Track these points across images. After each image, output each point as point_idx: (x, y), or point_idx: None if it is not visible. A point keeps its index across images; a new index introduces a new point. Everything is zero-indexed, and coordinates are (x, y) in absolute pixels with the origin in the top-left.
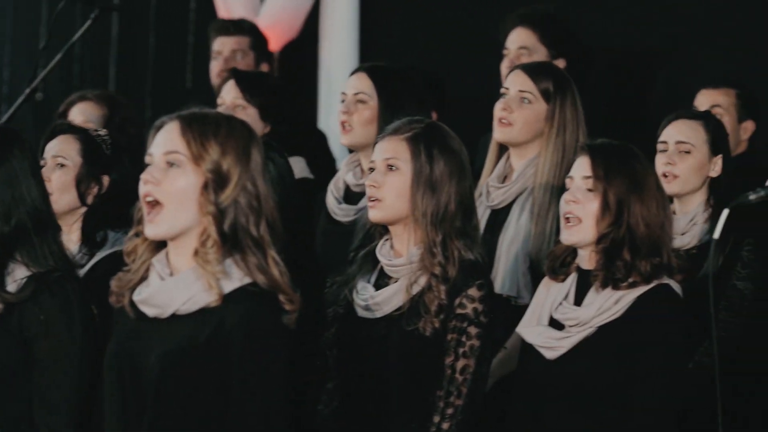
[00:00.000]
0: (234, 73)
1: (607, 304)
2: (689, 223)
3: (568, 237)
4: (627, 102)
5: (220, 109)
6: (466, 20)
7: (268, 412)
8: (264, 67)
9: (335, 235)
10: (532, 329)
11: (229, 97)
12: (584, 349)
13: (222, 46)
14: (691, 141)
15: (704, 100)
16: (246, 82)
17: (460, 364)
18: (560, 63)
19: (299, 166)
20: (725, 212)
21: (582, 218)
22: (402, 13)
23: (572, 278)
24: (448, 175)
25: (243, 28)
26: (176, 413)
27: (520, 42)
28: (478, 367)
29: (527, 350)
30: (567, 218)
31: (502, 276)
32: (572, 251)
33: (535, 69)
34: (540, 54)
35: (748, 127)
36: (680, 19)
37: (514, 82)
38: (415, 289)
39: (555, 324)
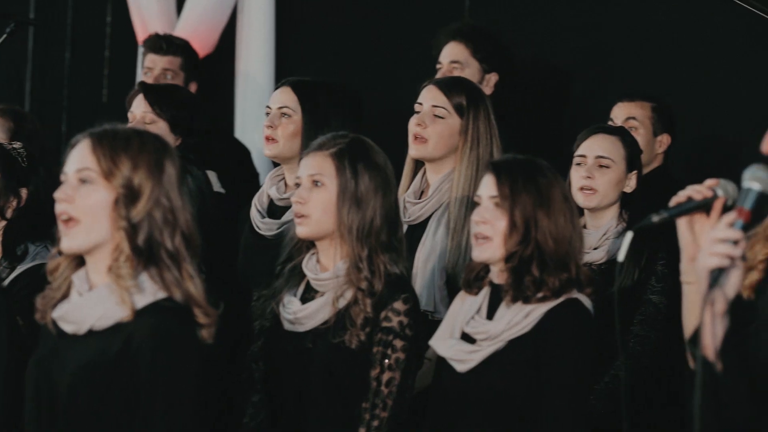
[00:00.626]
0: (143, 87)
1: (517, 319)
2: (602, 237)
3: (478, 255)
4: (543, 115)
5: (130, 124)
6: (383, 34)
7: (175, 426)
8: (192, 87)
9: (259, 248)
10: (444, 342)
11: (139, 111)
12: (494, 362)
13: (153, 63)
14: (611, 156)
15: (620, 112)
16: (155, 95)
17: (385, 376)
18: (492, 77)
19: (211, 180)
20: (629, 235)
21: (491, 237)
22: (319, 26)
23: (485, 292)
24: (374, 190)
25: (176, 47)
26: (86, 428)
27: (453, 56)
28: (404, 379)
29: (440, 363)
30: (477, 237)
31: (419, 291)
32: (486, 265)
33: (448, 84)
34: (472, 68)
35: (664, 140)
36: (596, 32)
37: (428, 98)
38: (342, 303)
39: (467, 337)
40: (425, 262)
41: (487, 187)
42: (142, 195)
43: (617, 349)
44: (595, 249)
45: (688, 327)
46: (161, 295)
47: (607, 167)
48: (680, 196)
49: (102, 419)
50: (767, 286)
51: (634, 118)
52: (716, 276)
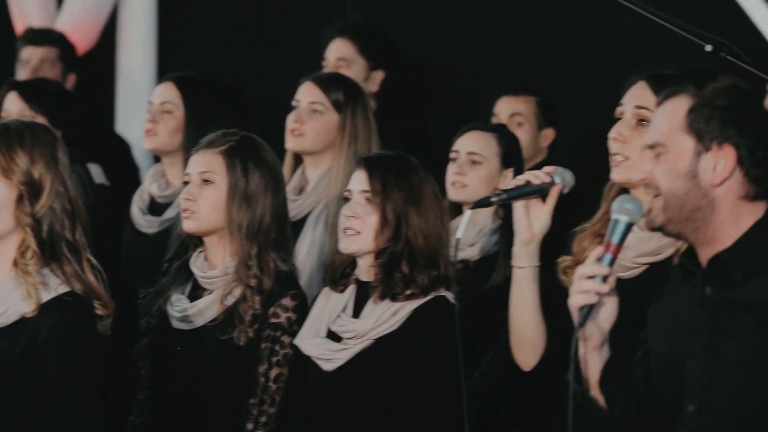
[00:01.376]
0: (14, 85)
1: (384, 317)
2: (477, 234)
3: (347, 246)
4: (430, 111)
5: None
6: (266, 29)
7: (82, 419)
8: (71, 78)
9: (140, 246)
10: (309, 341)
11: (14, 109)
12: (361, 360)
13: (30, 55)
14: (482, 152)
15: (504, 107)
16: (29, 91)
17: (273, 372)
18: (379, 74)
19: (95, 173)
20: (468, 212)
21: (361, 231)
22: (201, 21)
23: (351, 290)
24: (264, 188)
25: (52, 38)
26: None
27: (339, 53)
28: (291, 375)
29: (305, 361)
30: (346, 231)
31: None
32: (352, 262)
33: (325, 80)
34: (359, 65)
35: (548, 134)
36: (480, 27)
37: (305, 94)
38: (230, 300)
39: (334, 336)
40: (305, 259)
41: (359, 182)
42: (44, 188)
43: (490, 346)
44: (471, 246)
45: (516, 312)
46: (63, 289)
47: (478, 163)
48: (519, 180)
49: (11, 415)
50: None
51: (519, 113)
52: (585, 313)
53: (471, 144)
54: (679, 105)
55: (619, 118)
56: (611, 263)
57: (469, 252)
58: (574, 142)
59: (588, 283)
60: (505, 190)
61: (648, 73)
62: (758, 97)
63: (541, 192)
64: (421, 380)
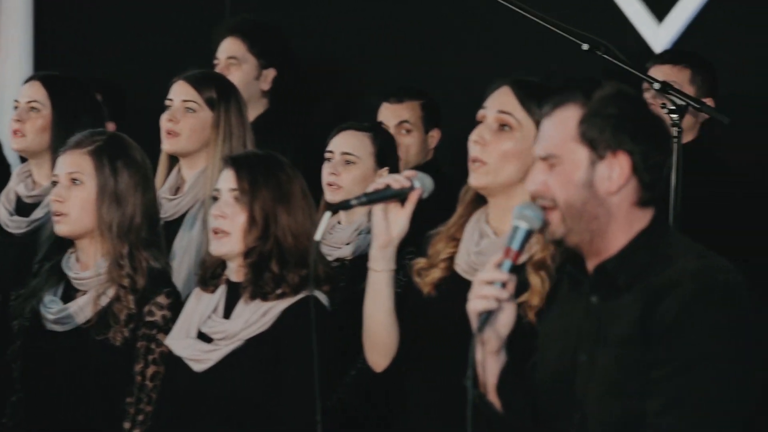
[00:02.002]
0: None
1: (254, 317)
2: (353, 233)
3: (216, 248)
4: (322, 110)
5: None
6: (143, 29)
7: None
8: None
9: (7, 247)
10: (180, 342)
11: None
12: (232, 361)
13: None
14: (356, 152)
15: (390, 115)
16: None
17: (149, 371)
18: (270, 73)
19: None
20: (327, 215)
21: (230, 232)
22: (78, 21)
23: (222, 290)
24: (133, 187)
25: None
26: None
27: (230, 52)
28: (168, 373)
29: (176, 362)
30: (215, 231)
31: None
32: (222, 263)
33: (198, 78)
34: (250, 64)
35: (435, 135)
36: (369, 26)
37: (178, 93)
38: (104, 301)
39: (204, 336)
40: (181, 259)
41: (227, 180)
42: None
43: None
44: (347, 245)
45: (370, 314)
46: None
47: (352, 163)
48: (379, 184)
49: None
50: (451, 285)
51: (406, 120)
52: (484, 319)
53: (345, 144)
54: (569, 115)
55: (481, 122)
56: (511, 269)
57: (345, 251)
58: (455, 141)
59: (487, 289)
60: (366, 194)
61: (512, 78)
62: (644, 101)
63: (400, 196)
64: (291, 380)
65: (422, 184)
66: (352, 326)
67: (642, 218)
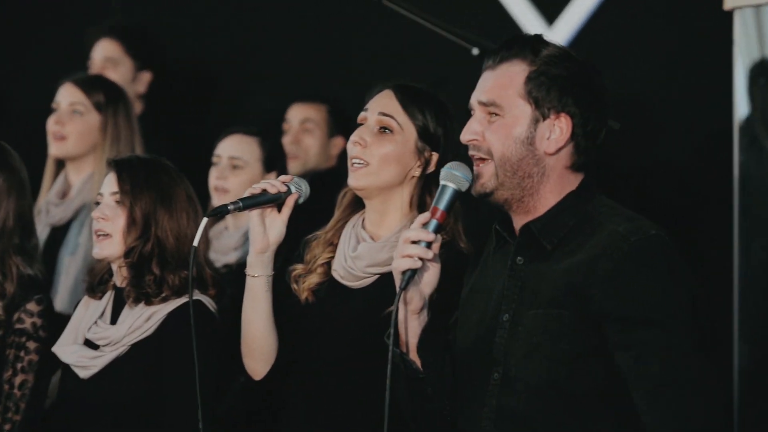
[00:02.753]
0: None
1: (138, 322)
2: (240, 238)
3: (98, 251)
4: (200, 113)
5: None
6: (29, 31)
7: None
8: None
9: None
10: (66, 348)
11: None
12: (117, 367)
13: None
14: (244, 157)
15: (296, 113)
16: None
17: (18, 379)
18: (146, 75)
19: None
20: (204, 220)
21: (111, 234)
22: None
23: (109, 296)
24: (6, 192)
25: None
26: None
27: (106, 53)
28: (37, 382)
29: (64, 369)
30: (98, 234)
31: (63, 292)
32: (110, 269)
33: (85, 81)
34: (125, 66)
35: (338, 143)
36: (252, 32)
37: (65, 96)
38: None
39: (91, 343)
40: (69, 264)
41: (109, 184)
42: None
43: None
44: (234, 250)
45: (248, 320)
46: None
47: (239, 168)
48: (255, 188)
49: None
50: (329, 290)
51: (309, 119)
52: (408, 277)
53: (232, 148)
54: (517, 71)
55: (362, 124)
56: (436, 230)
57: (232, 257)
58: None
59: (412, 248)
60: (242, 199)
61: (395, 83)
62: (591, 66)
63: (276, 201)
64: (175, 385)
65: (298, 189)
66: (237, 332)
67: (573, 182)
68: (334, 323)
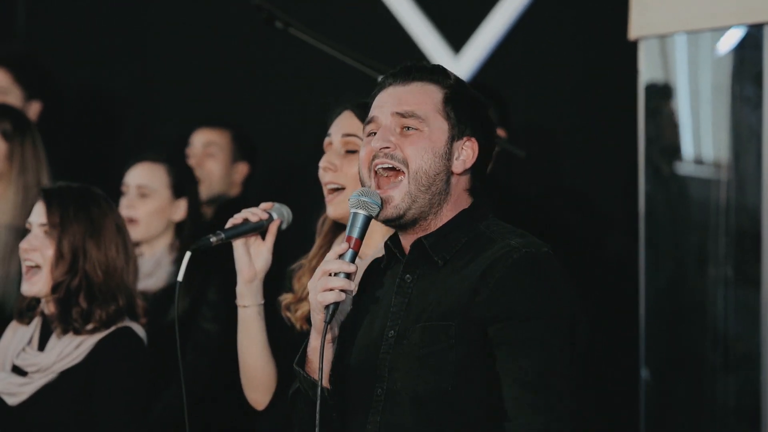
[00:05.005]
0: None
1: (68, 350)
2: (154, 265)
3: (28, 288)
4: (97, 142)
5: None
6: None
7: None
8: None
9: None
10: None
11: None
12: (47, 394)
13: None
14: (151, 185)
15: (199, 137)
16: None
17: None
18: (36, 105)
19: None
20: (188, 254)
21: (41, 265)
22: None
23: (36, 322)
24: None
25: None
26: None
27: None
28: None
29: None
30: (27, 265)
31: None
32: None
33: None
34: (14, 95)
35: (242, 169)
36: (176, 60)
37: None
38: None
39: (19, 370)
40: None
41: (38, 214)
42: None
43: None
44: (149, 277)
45: (244, 351)
46: None
47: (147, 196)
48: (236, 218)
49: None
50: None
51: (213, 143)
52: (333, 310)
53: (139, 176)
54: (432, 89)
55: (326, 151)
56: (353, 259)
57: (146, 283)
58: (269, 176)
59: (333, 281)
60: (224, 230)
61: (352, 102)
62: (486, 98)
63: (259, 229)
64: (104, 410)
65: (280, 215)
66: (162, 358)
67: (466, 202)
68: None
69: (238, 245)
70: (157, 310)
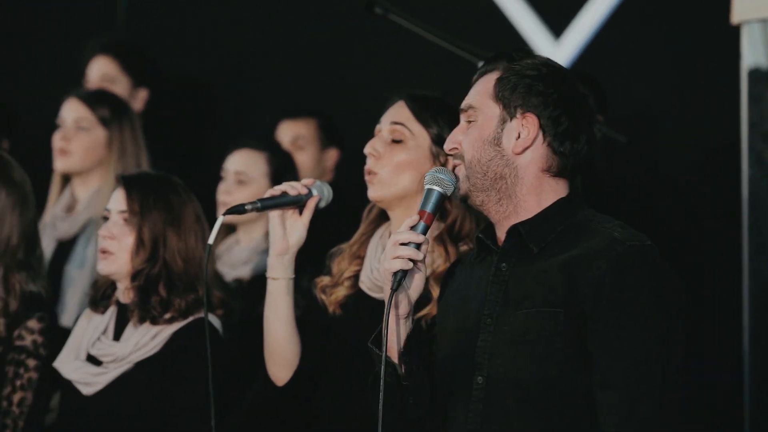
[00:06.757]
0: None
1: (144, 340)
2: (251, 252)
3: (103, 268)
4: (198, 130)
5: None
6: (34, 47)
7: None
8: None
9: None
10: (69, 364)
11: None
12: (122, 384)
13: None
14: (249, 172)
15: (285, 131)
16: None
17: (17, 396)
18: (143, 92)
19: None
20: (220, 219)
21: (116, 253)
22: None
23: (112, 311)
24: (11, 207)
25: None
26: None
27: (102, 71)
28: (36, 399)
29: (66, 385)
30: (102, 251)
31: (70, 307)
32: (113, 283)
33: (90, 96)
34: (122, 83)
35: (332, 154)
36: (249, 47)
37: (70, 111)
38: None
39: (94, 359)
40: (76, 279)
41: (117, 201)
42: None
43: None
44: (244, 264)
45: (269, 324)
46: None
47: (245, 183)
48: (275, 190)
49: None
50: (357, 303)
51: (300, 136)
52: (399, 279)
53: (238, 163)
54: (492, 76)
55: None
56: (425, 231)
57: (243, 271)
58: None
59: (403, 250)
60: (261, 199)
61: (407, 92)
62: (569, 75)
63: (297, 203)
64: (180, 403)
65: (320, 192)
66: (247, 349)
67: (555, 188)
68: (362, 335)
69: (274, 217)
70: (250, 298)
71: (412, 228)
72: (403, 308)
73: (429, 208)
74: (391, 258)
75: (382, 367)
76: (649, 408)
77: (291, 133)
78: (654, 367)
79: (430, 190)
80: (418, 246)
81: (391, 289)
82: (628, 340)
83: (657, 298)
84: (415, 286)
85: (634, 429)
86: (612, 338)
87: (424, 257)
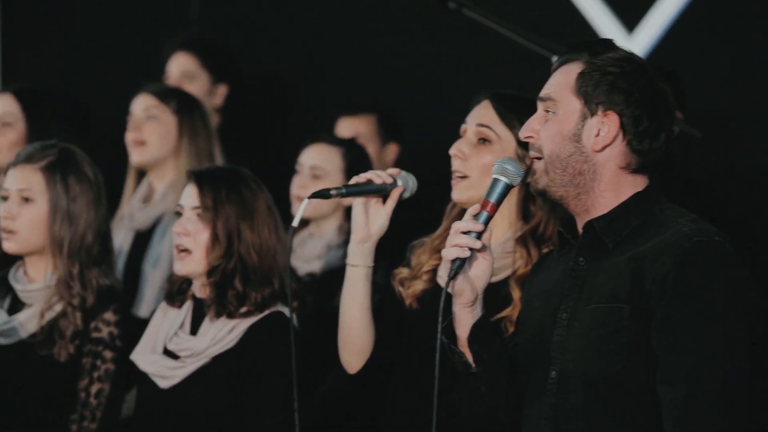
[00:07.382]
0: None
1: (221, 335)
2: (323, 247)
3: (180, 268)
4: (275, 125)
5: None
6: (108, 43)
7: None
8: None
9: None
10: (146, 357)
11: None
12: (199, 378)
13: None
14: (325, 166)
15: (344, 128)
16: None
17: (94, 388)
18: (222, 88)
19: None
20: (305, 202)
21: (192, 249)
22: (42, 35)
23: (188, 306)
24: (86, 205)
25: None
26: None
27: (182, 67)
28: (113, 391)
29: (142, 378)
30: (179, 249)
31: (148, 299)
32: (189, 278)
33: (159, 90)
34: (202, 79)
35: (392, 150)
36: (320, 42)
37: (140, 104)
38: (50, 315)
39: (171, 353)
40: (152, 270)
41: (190, 197)
42: None
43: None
44: (317, 259)
45: (345, 310)
46: None
47: (319, 178)
48: (361, 177)
49: None
50: (434, 297)
51: (360, 134)
52: (457, 267)
53: (314, 157)
54: (573, 69)
55: (462, 136)
56: (486, 221)
57: (315, 265)
58: (417, 156)
59: (462, 238)
60: (345, 185)
61: (493, 92)
62: (654, 71)
63: (381, 192)
64: (257, 397)
65: (405, 183)
66: (319, 341)
67: (633, 184)
68: (436, 331)
69: (357, 204)
70: (323, 292)
71: (475, 217)
72: (467, 296)
73: (493, 198)
74: (450, 246)
75: (437, 352)
76: (710, 405)
77: (350, 130)
78: (716, 364)
79: (495, 180)
80: (478, 235)
81: (448, 276)
82: (690, 337)
83: (722, 294)
84: (479, 274)
85: (695, 425)
86: (675, 334)
87: (486, 247)
